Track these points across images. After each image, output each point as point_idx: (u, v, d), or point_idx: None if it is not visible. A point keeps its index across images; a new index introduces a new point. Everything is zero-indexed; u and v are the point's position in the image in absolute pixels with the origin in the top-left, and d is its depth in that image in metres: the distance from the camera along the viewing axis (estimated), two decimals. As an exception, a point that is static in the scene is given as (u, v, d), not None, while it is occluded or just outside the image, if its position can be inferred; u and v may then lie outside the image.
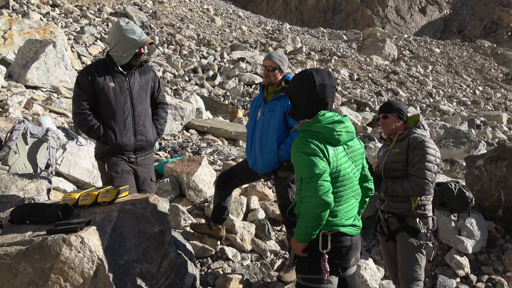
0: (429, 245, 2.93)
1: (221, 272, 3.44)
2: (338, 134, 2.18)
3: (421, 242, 2.92)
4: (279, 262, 3.80)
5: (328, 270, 2.18)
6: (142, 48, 2.99)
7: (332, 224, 2.21)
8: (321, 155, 2.12)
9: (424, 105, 20.03)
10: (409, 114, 3.20)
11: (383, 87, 22.35)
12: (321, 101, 2.21)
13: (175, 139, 7.90)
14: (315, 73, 2.21)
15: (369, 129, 13.31)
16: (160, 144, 7.03)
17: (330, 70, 22.88)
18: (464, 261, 4.27)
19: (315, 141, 2.13)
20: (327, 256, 2.19)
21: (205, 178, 4.57)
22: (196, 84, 15.07)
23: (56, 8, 18.58)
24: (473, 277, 4.22)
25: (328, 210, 2.10)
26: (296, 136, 3.09)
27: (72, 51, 12.47)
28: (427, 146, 2.89)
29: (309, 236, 2.18)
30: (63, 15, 18.21)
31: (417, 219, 2.94)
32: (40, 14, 15.90)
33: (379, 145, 8.22)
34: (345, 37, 35.41)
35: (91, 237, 2.08)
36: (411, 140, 2.93)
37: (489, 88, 27.15)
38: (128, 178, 2.99)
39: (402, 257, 2.99)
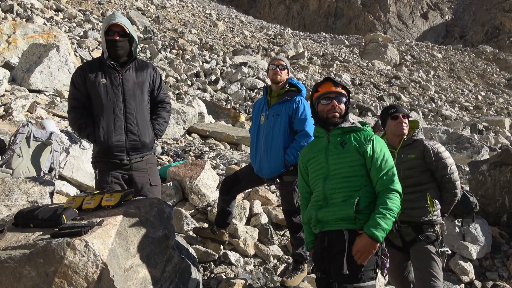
0: (448, 251, 2.83)
1: (224, 277, 3.42)
2: None
3: (440, 249, 2.80)
4: (282, 267, 3.77)
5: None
6: (114, 35, 2.74)
7: None
8: None
9: (426, 110, 20.01)
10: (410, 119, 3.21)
11: (385, 92, 22.33)
12: None
13: (178, 143, 7.90)
14: None
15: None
16: (162, 148, 7.03)
17: (332, 75, 22.92)
18: (469, 267, 4.24)
19: None
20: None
21: (208, 182, 4.56)
22: (199, 88, 15.09)
23: (59, 13, 18.69)
24: (478, 283, 4.19)
25: None
26: (303, 141, 3.09)
27: (76, 55, 12.50)
28: (447, 156, 2.93)
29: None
30: (66, 19, 18.30)
31: (435, 226, 2.85)
32: (44, 18, 15.97)
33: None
34: (347, 42, 35.48)
35: (95, 241, 2.07)
36: (426, 148, 2.92)
37: (491, 93, 27.10)
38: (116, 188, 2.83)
39: (421, 267, 2.78)
